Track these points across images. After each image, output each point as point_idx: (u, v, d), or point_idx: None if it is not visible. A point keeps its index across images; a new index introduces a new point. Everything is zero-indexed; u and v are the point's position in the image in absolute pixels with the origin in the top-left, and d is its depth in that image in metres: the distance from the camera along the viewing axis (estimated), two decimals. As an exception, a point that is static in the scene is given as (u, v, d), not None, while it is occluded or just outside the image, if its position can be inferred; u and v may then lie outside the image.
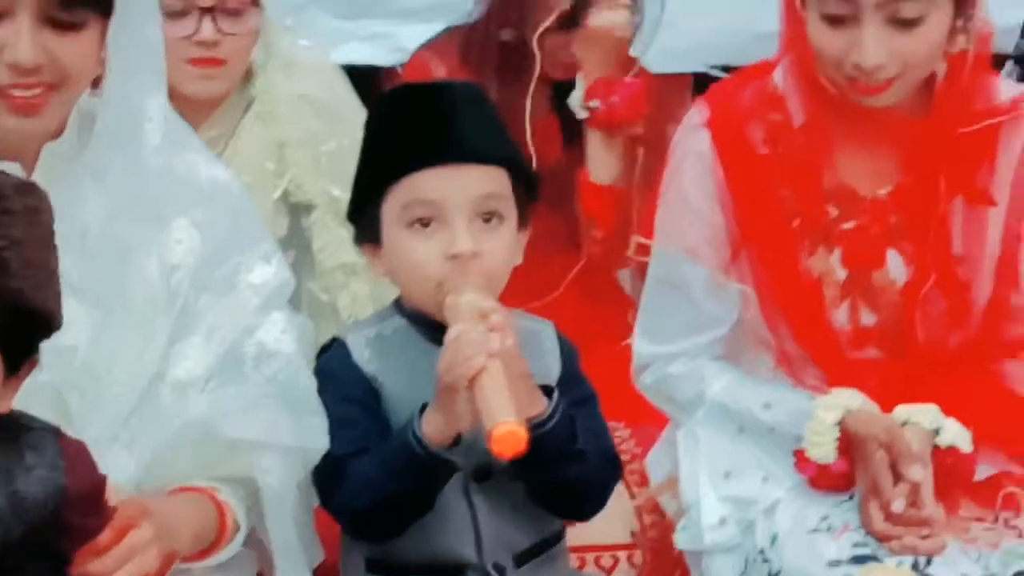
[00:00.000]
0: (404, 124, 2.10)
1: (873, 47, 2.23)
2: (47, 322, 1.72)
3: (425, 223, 2.07)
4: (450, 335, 1.98)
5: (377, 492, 2.02)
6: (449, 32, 3.05)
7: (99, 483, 1.82)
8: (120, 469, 1.97)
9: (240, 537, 2.07)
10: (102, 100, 2.02)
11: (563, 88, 3.03)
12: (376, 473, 2.02)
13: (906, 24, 2.24)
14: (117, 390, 2.01)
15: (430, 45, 3.04)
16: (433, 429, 1.99)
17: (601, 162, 2.99)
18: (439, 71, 2.98)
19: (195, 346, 2.05)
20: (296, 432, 2.08)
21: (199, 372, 2.05)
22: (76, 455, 1.79)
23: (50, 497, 1.75)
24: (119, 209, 2.03)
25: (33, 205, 1.71)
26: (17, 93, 1.95)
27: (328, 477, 2.07)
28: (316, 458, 2.09)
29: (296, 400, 2.09)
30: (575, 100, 2.98)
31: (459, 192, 2.06)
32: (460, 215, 2.06)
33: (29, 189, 1.72)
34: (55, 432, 1.78)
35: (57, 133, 2.01)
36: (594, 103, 2.95)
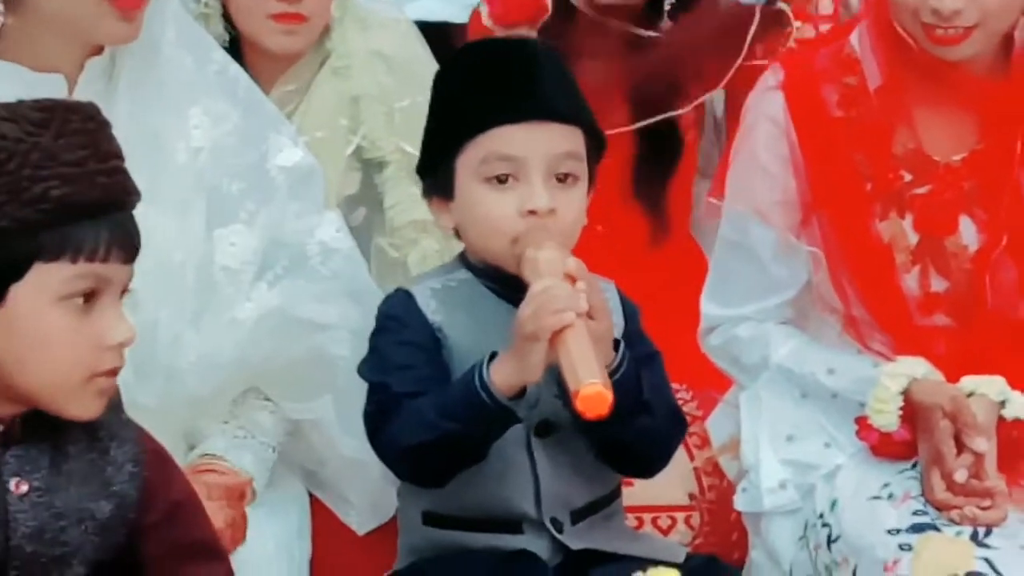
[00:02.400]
0: (486, 79, 2.11)
1: None
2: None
3: (503, 179, 2.08)
4: (536, 287, 1.99)
5: (431, 431, 2.02)
6: None
7: (168, 472, 1.82)
8: (192, 353, 2.11)
9: (260, 488, 2.23)
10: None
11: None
12: (434, 412, 2.03)
13: None
14: (186, 276, 2.13)
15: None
16: (502, 377, 2.00)
17: None
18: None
19: (239, 233, 2.19)
20: (363, 318, 2.19)
21: (248, 257, 2.19)
22: (148, 441, 1.80)
23: (138, 493, 1.75)
24: (143, 100, 2.13)
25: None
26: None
27: (381, 411, 2.08)
28: None
29: (359, 290, 2.22)
30: None
31: (539, 149, 2.07)
32: (538, 172, 2.07)
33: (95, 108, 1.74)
34: (120, 408, 1.78)
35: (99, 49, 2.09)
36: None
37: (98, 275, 1.66)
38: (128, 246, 1.68)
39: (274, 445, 2.29)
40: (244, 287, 2.19)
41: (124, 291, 1.71)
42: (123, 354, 1.69)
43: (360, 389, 2.20)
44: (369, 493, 2.40)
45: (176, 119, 2.16)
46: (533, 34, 2.89)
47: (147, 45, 2.13)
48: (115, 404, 1.77)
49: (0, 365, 1.67)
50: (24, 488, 1.69)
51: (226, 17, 2.73)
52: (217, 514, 2.03)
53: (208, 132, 2.18)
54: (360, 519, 2.42)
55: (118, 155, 1.69)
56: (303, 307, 2.22)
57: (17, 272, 1.64)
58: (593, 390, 1.89)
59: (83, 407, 1.69)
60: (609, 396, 1.90)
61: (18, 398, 1.69)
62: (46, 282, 1.64)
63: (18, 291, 1.64)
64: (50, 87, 2.02)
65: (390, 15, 2.88)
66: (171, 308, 2.14)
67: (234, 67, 2.29)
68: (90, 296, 1.66)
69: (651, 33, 2.92)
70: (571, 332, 1.94)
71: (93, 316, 1.66)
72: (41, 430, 1.71)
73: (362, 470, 2.36)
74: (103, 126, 1.69)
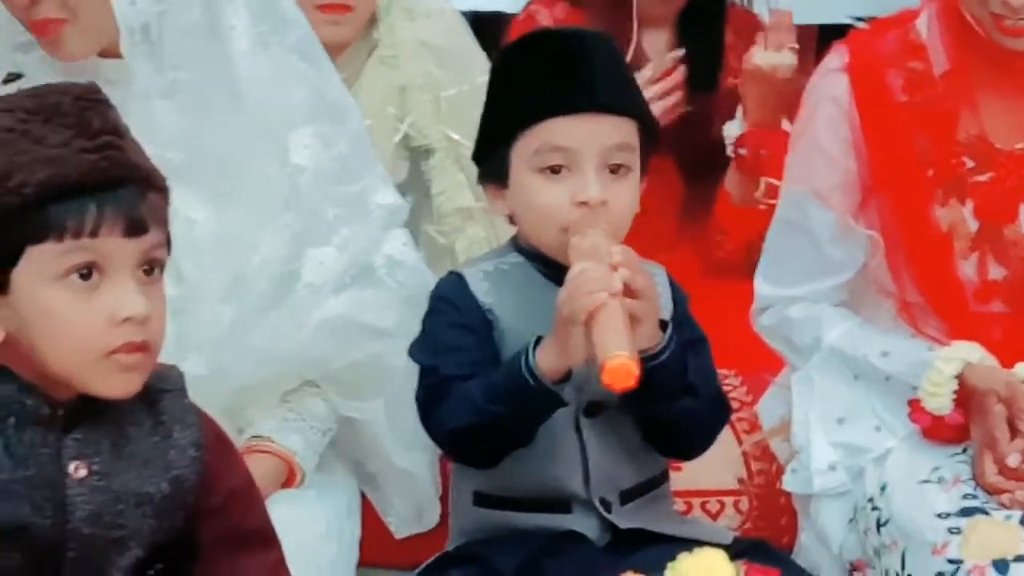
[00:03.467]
0: (541, 70, 2.12)
1: None
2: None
3: (556, 170, 2.09)
4: (573, 271, 2.01)
5: (479, 414, 2.05)
6: None
7: (229, 458, 1.83)
8: (255, 359, 2.14)
9: (309, 470, 2.26)
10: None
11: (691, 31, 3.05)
12: (482, 395, 2.05)
13: None
14: (259, 283, 2.16)
15: None
16: (546, 361, 2.02)
17: (739, 189, 2.95)
18: (545, 20, 3.00)
19: (329, 255, 2.23)
20: None
21: (331, 278, 2.23)
22: (210, 425, 1.81)
23: (198, 477, 1.76)
24: (210, 121, 2.16)
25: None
26: None
27: (432, 394, 2.11)
28: None
29: (423, 300, 2.21)
30: (729, 136, 2.94)
31: (592, 141, 2.09)
32: (591, 163, 2.09)
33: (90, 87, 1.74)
34: (184, 392, 1.79)
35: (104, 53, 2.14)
36: (743, 151, 2.91)
37: (90, 250, 1.65)
38: (125, 220, 1.66)
39: (324, 430, 2.31)
40: (320, 300, 2.24)
41: (152, 266, 1.71)
42: (143, 329, 1.68)
43: (413, 403, 2.22)
44: (414, 502, 2.43)
45: (267, 134, 2.20)
46: None
47: (202, 53, 2.17)
48: (179, 388, 1.78)
49: (28, 351, 1.68)
50: (83, 472, 1.70)
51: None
52: None
53: (316, 154, 2.23)
54: (399, 523, 2.45)
55: (112, 131, 1.68)
56: (365, 313, 2.26)
57: (12, 258, 1.65)
58: (618, 362, 1.91)
59: (109, 385, 1.68)
60: (635, 368, 1.91)
61: (61, 381, 1.71)
62: (39, 264, 1.65)
63: (17, 276, 1.66)
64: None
65: (436, 5, 2.91)
66: (235, 309, 2.18)
67: (349, 98, 2.36)
68: (91, 273, 1.66)
69: None
70: (604, 310, 1.96)
71: (101, 292, 1.66)
72: (104, 413, 1.72)
73: (409, 480, 2.40)
74: (96, 104, 1.69)
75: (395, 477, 2.41)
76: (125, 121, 1.72)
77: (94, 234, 1.65)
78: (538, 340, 2.04)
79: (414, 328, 2.20)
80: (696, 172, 3.02)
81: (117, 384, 1.69)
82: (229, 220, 2.15)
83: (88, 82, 1.74)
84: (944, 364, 2.29)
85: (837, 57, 2.40)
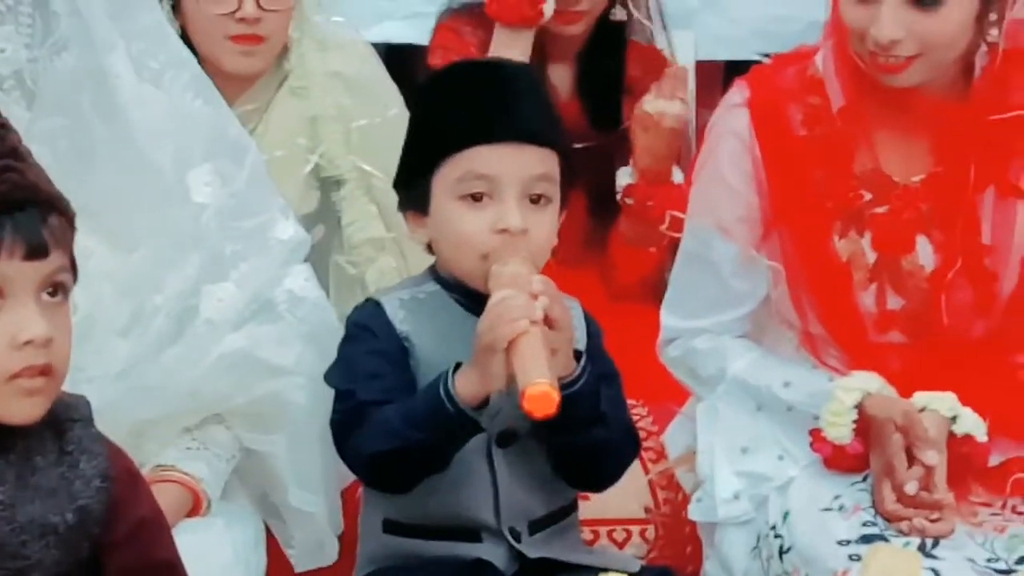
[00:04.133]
0: (465, 99, 2.15)
1: (889, 23, 2.27)
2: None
3: (478, 197, 2.11)
4: (494, 299, 2.03)
5: (397, 439, 2.05)
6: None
7: (137, 489, 1.81)
8: (150, 390, 2.13)
9: (215, 497, 2.26)
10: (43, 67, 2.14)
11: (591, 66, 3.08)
12: (399, 421, 2.06)
13: (926, 4, 2.27)
14: (157, 319, 2.15)
15: (456, 14, 3.08)
16: (465, 387, 2.03)
17: (630, 231, 3.00)
18: (471, 38, 3.03)
19: (227, 291, 2.22)
20: (323, 364, 2.21)
21: (229, 315, 2.22)
22: (117, 456, 1.79)
23: (104, 508, 1.74)
24: (90, 163, 2.14)
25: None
26: None
27: (348, 419, 2.11)
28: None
29: (323, 337, 2.24)
30: (619, 184, 2.98)
31: (514, 170, 2.11)
32: (512, 192, 2.11)
33: None
34: (91, 422, 1.77)
35: None
36: (629, 200, 2.96)
37: None
38: (24, 243, 1.65)
39: (228, 457, 2.31)
40: (219, 336, 2.23)
41: (56, 289, 1.70)
42: (45, 352, 1.67)
43: (314, 440, 2.28)
44: (313, 537, 2.42)
45: (167, 173, 2.20)
46: (530, 36, 2.95)
47: (83, 108, 2.17)
48: (86, 417, 1.77)
49: None
50: None
51: (184, 38, 2.75)
52: None
53: (216, 191, 2.23)
54: (300, 557, 2.44)
55: (11, 154, 1.68)
56: (264, 349, 2.25)
57: None
58: (539, 389, 1.93)
59: (12, 409, 1.68)
60: (556, 396, 1.93)
61: None
62: None
63: None
64: None
65: (348, 36, 2.91)
66: (132, 344, 2.17)
67: (246, 135, 2.36)
68: None
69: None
70: (525, 338, 1.98)
71: (1, 316, 1.66)
72: (10, 442, 1.71)
73: (309, 520, 2.39)
74: None
75: (293, 516, 2.40)
76: None
77: None
78: (457, 366, 2.05)
79: (315, 365, 2.21)
80: (599, 205, 3.05)
81: (20, 409, 1.68)
82: (132, 259, 2.13)
83: None
84: (844, 394, 2.33)
85: (738, 92, 2.44)
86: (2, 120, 1.70)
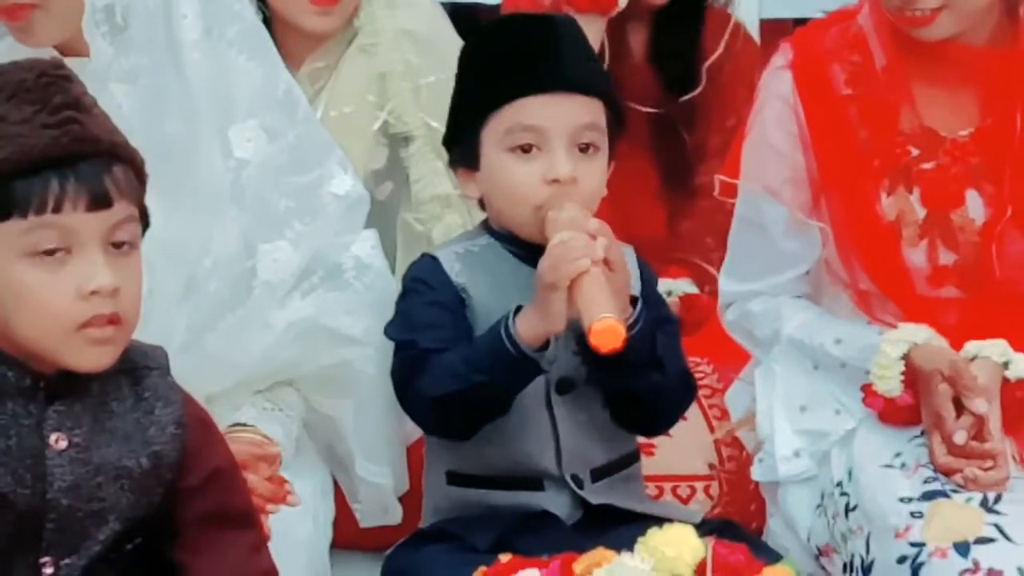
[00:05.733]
0: (511, 52, 2.17)
1: None
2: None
3: (527, 149, 2.14)
4: (554, 240, 2.05)
5: (460, 382, 2.08)
6: None
7: (211, 438, 1.84)
8: (218, 360, 2.15)
9: (288, 458, 2.24)
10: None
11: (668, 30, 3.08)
12: (461, 364, 2.09)
13: None
14: (211, 284, 2.15)
15: None
16: (527, 328, 2.06)
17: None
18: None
19: (282, 250, 2.23)
20: None
21: (286, 276, 2.23)
22: (192, 405, 1.82)
23: (178, 454, 1.77)
24: (162, 107, 2.16)
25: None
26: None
27: (409, 366, 2.14)
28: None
29: (388, 308, 2.24)
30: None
31: (562, 120, 2.13)
32: (561, 142, 2.13)
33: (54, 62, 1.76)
34: (167, 371, 1.81)
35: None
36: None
37: (54, 226, 1.67)
38: (88, 195, 1.67)
39: (297, 418, 2.33)
40: (279, 298, 2.24)
41: (121, 241, 1.71)
42: (112, 301, 1.69)
43: (381, 410, 2.30)
44: (378, 500, 2.44)
45: (211, 125, 2.20)
46: (601, 24, 2.94)
47: (156, 43, 2.18)
48: (163, 366, 1.81)
49: (4, 326, 1.70)
50: (64, 444, 1.72)
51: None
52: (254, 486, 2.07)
53: (261, 146, 2.23)
54: (365, 514, 2.47)
55: (74, 106, 1.69)
56: (333, 318, 2.27)
57: None
58: (606, 324, 1.95)
59: (81, 358, 1.70)
60: (622, 330, 1.96)
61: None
62: (7, 240, 1.67)
63: None
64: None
65: (417, -5, 2.93)
66: (190, 312, 2.18)
67: (297, 89, 2.35)
68: (59, 248, 1.68)
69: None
70: (587, 277, 2.00)
71: (68, 267, 1.67)
72: (87, 387, 1.75)
73: (375, 489, 2.41)
74: (59, 79, 1.70)
75: (359, 483, 2.42)
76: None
77: (57, 210, 1.67)
78: (518, 309, 2.07)
79: (379, 334, 2.22)
80: (669, 172, 3.05)
81: (89, 357, 1.71)
82: (180, 219, 2.13)
83: (53, 58, 1.76)
84: (890, 346, 2.32)
85: (782, 55, 2.44)
86: (66, 71, 1.72)
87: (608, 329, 1.95)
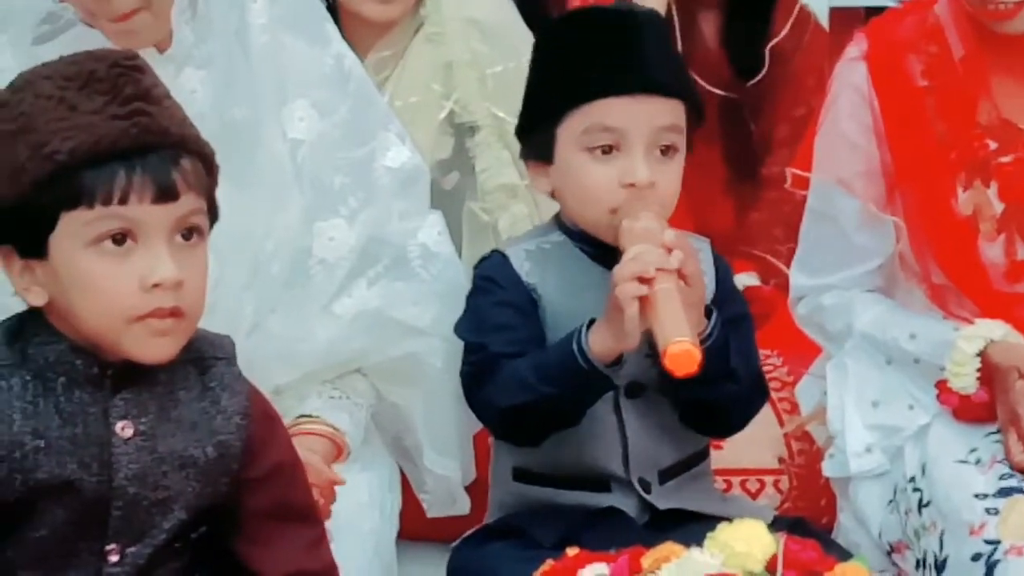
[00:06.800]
0: (592, 48, 2.12)
1: None
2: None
3: (606, 150, 2.10)
4: (628, 254, 2.01)
5: (529, 393, 2.06)
6: None
7: (275, 431, 1.83)
8: (272, 343, 2.13)
9: (355, 447, 2.24)
10: None
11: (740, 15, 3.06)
12: (532, 375, 2.06)
13: None
14: (274, 266, 2.14)
15: None
16: (599, 343, 2.02)
17: None
18: None
19: (338, 228, 2.21)
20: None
21: (343, 253, 2.21)
22: (257, 397, 1.82)
23: (243, 445, 1.77)
24: (231, 92, 2.15)
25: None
26: None
27: (479, 371, 2.12)
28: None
29: (456, 297, 2.22)
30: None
31: (642, 122, 2.09)
32: (640, 145, 2.09)
33: (127, 53, 1.75)
34: (234, 361, 1.80)
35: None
36: None
37: (120, 217, 1.67)
38: (154, 186, 1.67)
39: (367, 405, 2.33)
40: (338, 281, 2.22)
41: (191, 231, 1.71)
42: (174, 295, 1.69)
43: (449, 402, 2.27)
44: (446, 491, 2.43)
45: (272, 108, 2.19)
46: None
47: (229, 28, 2.17)
48: (230, 356, 1.81)
49: (68, 315, 1.71)
50: (130, 432, 1.73)
51: (325, -15, 2.78)
52: None
53: (314, 124, 2.21)
54: (432, 504, 2.46)
55: (144, 97, 1.69)
56: (400, 309, 2.26)
57: (50, 223, 1.68)
58: (681, 348, 1.91)
59: (142, 349, 1.70)
60: (698, 354, 1.91)
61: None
62: (73, 229, 1.67)
63: (55, 242, 1.68)
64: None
65: (483, -18, 2.92)
66: (255, 296, 2.17)
67: (350, 60, 2.31)
68: (124, 238, 1.67)
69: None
70: (661, 294, 1.96)
71: (133, 258, 1.67)
72: (154, 376, 1.75)
73: (443, 480, 2.40)
74: (131, 70, 1.70)
75: (429, 472, 2.41)
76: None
77: (123, 201, 1.67)
78: (591, 323, 2.04)
79: (450, 326, 2.20)
80: (738, 165, 3.03)
81: (150, 349, 1.71)
82: (245, 204, 2.13)
83: (125, 48, 1.75)
84: (966, 343, 2.30)
85: (856, 46, 2.41)
86: (137, 62, 1.72)
87: (684, 354, 1.91)
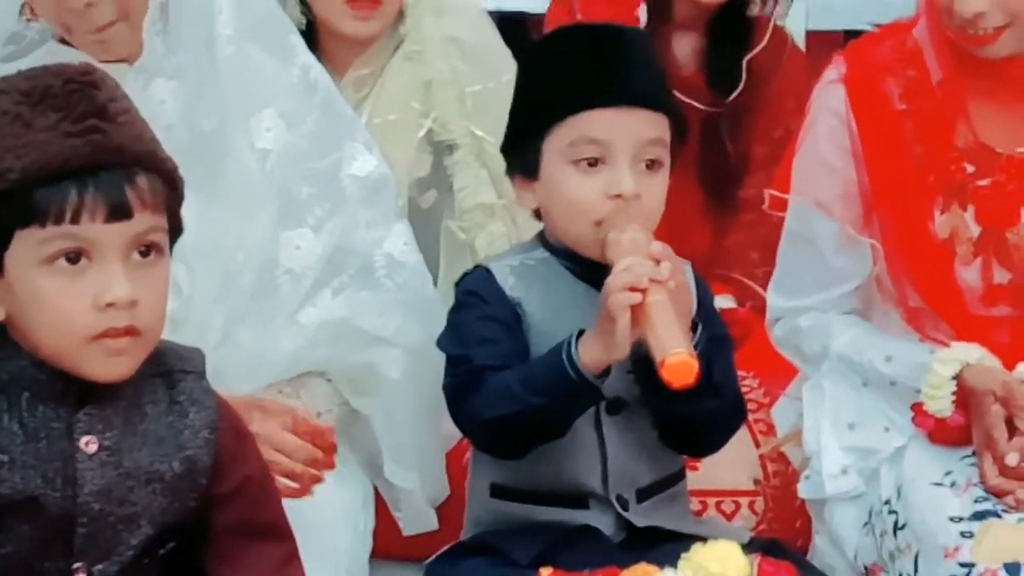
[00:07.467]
0: (578, 62, 2.13)
1: None
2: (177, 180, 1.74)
3: (591, 162, 2.10)
4: (619, 266, 2.01)
5: (516, 404, 2.04)
6: None
7: (245, 446, 1.81)
8: (242, 354, 2.13)
9: None
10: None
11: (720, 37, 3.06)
12: (519, 386, 2.05)
13: None
14: (244, 277, 2.15)
15: None
16: (588, 354, 2.02)
17: None
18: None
19: (305, 237, 2.22)
20: (422, 333, 2.22)
21: (310, 263, 2.21)
22: (227, 411, 1.80)
23: (211, 460, 1.75)
24: (201, 103, 2.15)
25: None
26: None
27: (464, 383, 2.11)
28: (437, 362, 2.17)
29: (422, 306, 2.24)
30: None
31: (628, 135, 2.09)
32: (626, 157, 2.09)
33: (83, 68, 1.73)
34: (203, 375, 1.79)
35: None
36: None
37: (73, 236, 1.65)
38: (106, 205, 1.65)
39: (330, 411, 2.31)
40: (304, 290, 2.22)
41: (149, 249, 1.70)
42: (129, 314, 1.67)
43: (409, 414, 2.28)
44: (413, 508, 2.44)
45: (240, 119, 2.19)
46: None
47: (198, 39, 2.17)
48: (198, 370, 1.79)
49: (27, 333, 1.70)
50: (94, 447, 1.71)
51: (303, 2, 2.78)
52: (299, 450, 2.06)
53: (281, 135, 2.22)
54: (407, 523, 2.46)
55: (98, 114, 1.67)
56: (365, 319, 2.25)
57: (4, 241, 1.66)
58: (679, 358, 1.90)
59: (97, 368, 1.68)
60: (695, 365, 1.91)
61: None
62: (27, 247, 1.65)
63: (10, 259, 1.67)
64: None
65: (463, 2, 2.92)
66: (226, 307, 2.17)
67: (316, 70, 2.32)
68: (78, 257, 1.66)
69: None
70: (655, 305, 1.96)
71: (86, 277, 1.66)
72: (119, 390, 1.73)
73: (406, 494, 2.40)
74: (86, 86, 1.68)
75: (392, 488, 2.41)
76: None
77: (75, 220, 1.65)
78: (580, 333, 2.04)
79: (413, 336, 2.21)
80: (715, 187, 3.03)
81: (107, 367, 1.69)
82: (214, 216, 2.12)
83: (82, 63, 1.73)
84: (941, 366, 2.30)
85: (835, 69, 2.42)
86: (93, 77, 1.70)
87: (682, 364, 1.90)
